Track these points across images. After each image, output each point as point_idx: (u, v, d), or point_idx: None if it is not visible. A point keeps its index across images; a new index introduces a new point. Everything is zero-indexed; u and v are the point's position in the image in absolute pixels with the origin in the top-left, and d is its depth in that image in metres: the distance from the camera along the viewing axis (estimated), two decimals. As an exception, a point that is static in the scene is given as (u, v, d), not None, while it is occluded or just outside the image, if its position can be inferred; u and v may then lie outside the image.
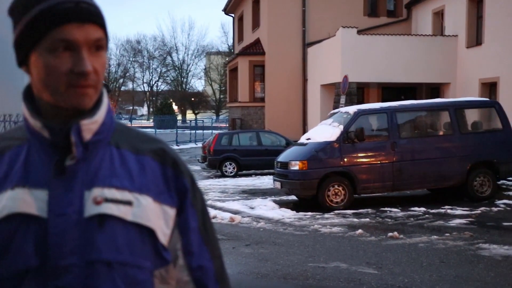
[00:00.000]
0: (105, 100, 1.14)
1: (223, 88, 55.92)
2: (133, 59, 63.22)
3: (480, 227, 8.44)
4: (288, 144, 16.08)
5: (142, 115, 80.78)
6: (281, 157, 11.37)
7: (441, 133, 11.47)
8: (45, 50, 1.04)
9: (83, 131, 1.07)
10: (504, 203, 10.42)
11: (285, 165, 10.92)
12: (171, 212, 1.14)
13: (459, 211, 9.79)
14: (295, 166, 10.60)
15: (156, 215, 1.11)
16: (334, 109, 15.63)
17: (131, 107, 75.06)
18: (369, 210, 10.14)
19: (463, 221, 8.94)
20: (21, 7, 1.06)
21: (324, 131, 11.05)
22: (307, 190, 10.62)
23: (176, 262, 1.16)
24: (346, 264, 6.54)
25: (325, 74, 20.28)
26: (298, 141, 11.92)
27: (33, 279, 1.02)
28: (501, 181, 11.99)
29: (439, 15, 20.47)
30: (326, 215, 9.79)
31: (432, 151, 10.89)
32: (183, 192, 1.16)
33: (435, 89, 20.08)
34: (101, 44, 1.07)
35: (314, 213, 10.01)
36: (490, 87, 17.19)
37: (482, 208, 9.94)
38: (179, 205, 1.15)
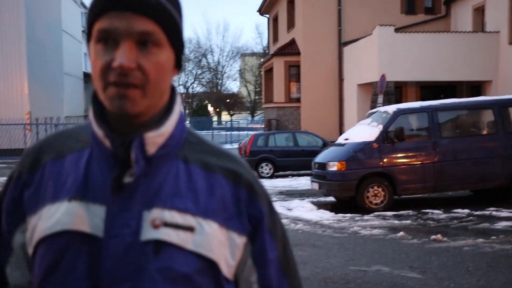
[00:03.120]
0: (177, 108, 1.01)
1: (258, 89, 55.96)
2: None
3: (528, 230, 8.12)
4: (325, 144, 15.90)
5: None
6: (319, 158, 11.22)
7: (484, 132, 11.11)
8: (92, 45, 0.95)
9: (147, 145, 0.95)
10: (552, 205, 10.02)
11: (323, 166, 10.77)
12: (239, 240, 0.99)
13: (505, 213, 9.44)
14: (333, 167, 10.43)
15: (220, 244, 0.97)
16: (371, 109, 15.37)
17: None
18: (410, 212, 9.89)
19: (509, 223, 8.61)
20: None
21: (363, 131, 10.85)
22: (346, 191, 10.44)
23: None
24: (388, 267, 6.36)
25: (362, 74, 20.00)
26: (336, 142, 11.75)
27: None
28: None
29: (479, 11, 19.93)
30: (365, 217, 9.60)
31: (475, 151, 10.55)
32: (257, 218, 1.01)
33: (476, 87, 19.54)
34: (152, 39, 0.92)
35: (353, 214, 9.83)
36: (534, 84, 16.64)
37: (529, 210, 9.58)
38: (252, 233, 1.01)
